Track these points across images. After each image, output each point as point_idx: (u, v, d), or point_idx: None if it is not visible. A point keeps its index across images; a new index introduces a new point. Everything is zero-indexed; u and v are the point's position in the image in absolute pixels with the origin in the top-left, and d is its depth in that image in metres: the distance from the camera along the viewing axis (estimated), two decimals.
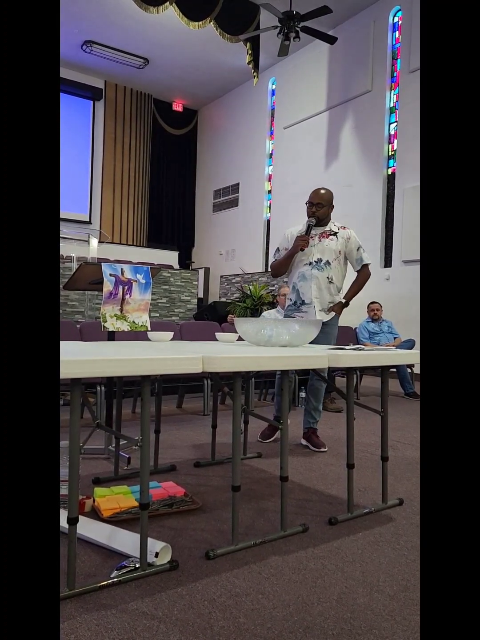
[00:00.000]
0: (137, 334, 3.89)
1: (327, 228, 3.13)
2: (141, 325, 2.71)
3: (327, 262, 3.09)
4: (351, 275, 3.24)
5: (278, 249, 3.23)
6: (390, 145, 8.14)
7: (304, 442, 3.25)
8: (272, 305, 6.66)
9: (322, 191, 3.09)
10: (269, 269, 3.25)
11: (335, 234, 3.13)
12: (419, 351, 2.13)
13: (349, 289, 3.20)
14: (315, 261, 3.09)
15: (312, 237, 3.10)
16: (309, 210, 3.08)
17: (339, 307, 3.15)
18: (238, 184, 11.37)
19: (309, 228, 3.04)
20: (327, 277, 3.10)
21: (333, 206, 3.14)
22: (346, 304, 3.18)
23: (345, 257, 3.17)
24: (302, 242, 3.01)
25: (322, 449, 3.15)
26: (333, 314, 3.13)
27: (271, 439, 3.30)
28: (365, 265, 3.18)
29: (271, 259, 3.24)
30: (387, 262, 8.02)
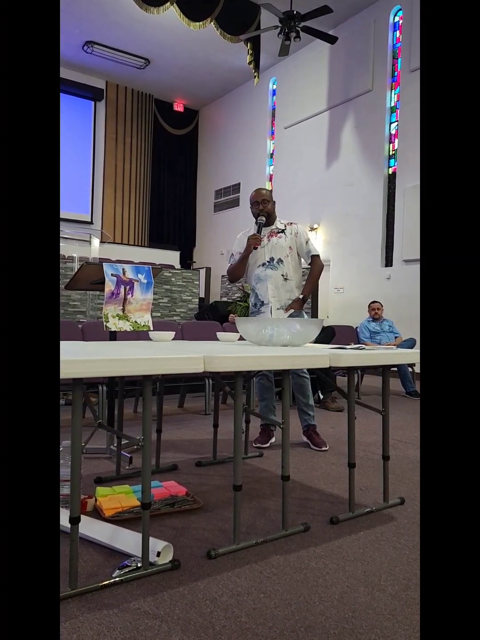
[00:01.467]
0: (139, 334, 3.89)
1: (273, 227, 3.16)
2: (143, 325, 2.72)
3: (280, 260, 3.11)
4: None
5: (233, 255, 3.18)
6: (391, 145, 8.13)
7: (304, 438, 3.25)
8: None
9: (263, 190, 3.14)
10: (226, 274, 3.17)
11: (282, 231, 3.15)
12: (419, 351, 2.13)
13: (305, 284, 3.20)
14: (268, 261, 3.11)
15: (261, 238, 3.10)
16: (256, 209, 3.09)
17: (298, 304, 3.14)
18: (239, 184, 11.37)
19: (260, 227, 3.04)
20: (282, 275, 3.11)
21: (275, 202, 3.19)
22: (304, 300, 3.18)
23: (297, 253, 3.18)
24: (254, 240, 3.00)
25: (323, 449, 3.14)
26: (291, 311, 3.13)
27: (268, 445, 3.20)
28: (316, 257, 3.17)
29: (227, 265, 3.20)
30: (388, 262, 8.02)
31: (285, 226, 3.17)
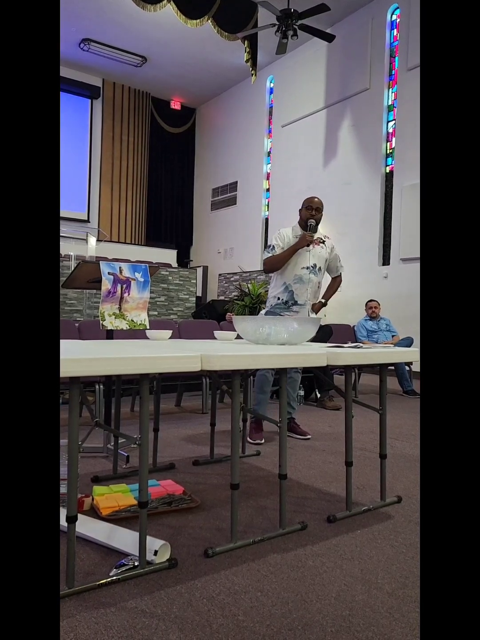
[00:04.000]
0: (136, 333, 3.88)
1: (316, 236, 3.29)
2: (140, 324, 2.71)
3: (320, 268, 3.28)
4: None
5: (273, 247, 3.25)
6: (388, 143, 8.13)
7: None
8: None
9: (318, 199, 3.27)
10: (263, 265, 3.34)
11: (323, 242, 3.33)
12: (417, 349, 2.13)
13: (327, 290, 3.42)
14: (312, 266, 3.25)
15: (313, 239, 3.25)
16: (308, 214, 3.22)
17: (319, 306, 3.33)
18: (236, 183, 11.35)
19: (311, 228, 3.19)
20: (318, 283, 3.31)
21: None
22: (325, 304, 3.37)
23: (327, 266, 3.38)
24: (310, 238, 3.14)
25: (308, 436, 3.36)
26: (314, 314, 3.32)
27: (262, 440, 3.21)
28: (341, 274, 3.44)
29: (264, 255, 3.31)
30: (385, 260, 8.02)
31: (324, 238, 3.33)
